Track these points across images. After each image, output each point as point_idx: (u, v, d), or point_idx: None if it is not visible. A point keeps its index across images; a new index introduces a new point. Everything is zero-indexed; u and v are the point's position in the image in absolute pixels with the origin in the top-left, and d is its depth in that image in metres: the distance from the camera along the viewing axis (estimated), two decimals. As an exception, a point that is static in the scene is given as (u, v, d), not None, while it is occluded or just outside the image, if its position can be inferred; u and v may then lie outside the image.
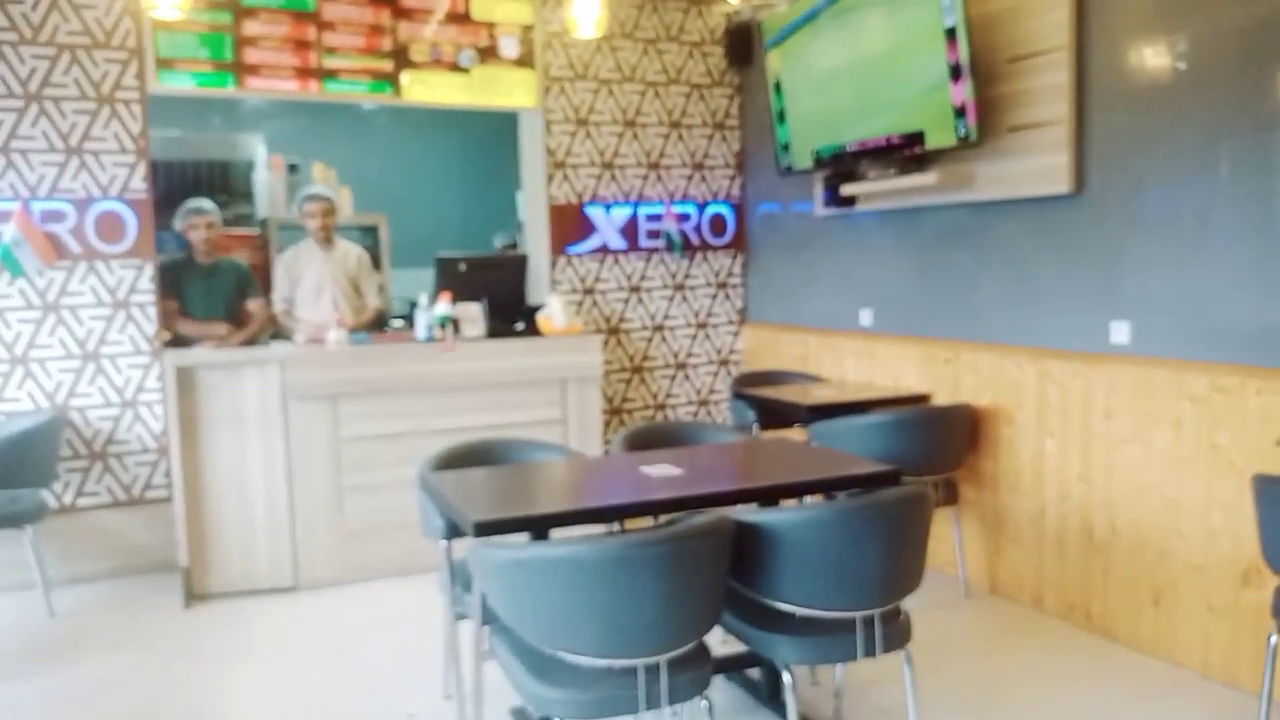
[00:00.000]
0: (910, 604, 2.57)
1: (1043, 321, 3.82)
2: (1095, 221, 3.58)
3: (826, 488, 2.77)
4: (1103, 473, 3.55)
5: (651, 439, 3.39)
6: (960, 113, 3.85)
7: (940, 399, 4.22)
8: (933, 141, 4.02)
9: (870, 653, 2.39)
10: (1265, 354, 3.03)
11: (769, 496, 2.72)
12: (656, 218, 5.54)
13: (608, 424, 5.34)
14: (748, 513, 2.43)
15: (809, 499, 2.87)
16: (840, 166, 4.70)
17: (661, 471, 2.78)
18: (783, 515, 2.41)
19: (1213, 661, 3.20)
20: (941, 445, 3.86)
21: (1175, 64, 3.26)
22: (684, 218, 5.61)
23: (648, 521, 2.76)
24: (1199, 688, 3.15)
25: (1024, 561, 3.90)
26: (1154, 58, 3.33)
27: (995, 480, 4.01)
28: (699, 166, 5.65)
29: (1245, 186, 3.07)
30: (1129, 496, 3.46)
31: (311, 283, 4.81)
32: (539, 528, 2.46)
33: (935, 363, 4.30)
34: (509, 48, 5.10)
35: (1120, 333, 3.51)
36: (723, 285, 5.78)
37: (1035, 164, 3.75)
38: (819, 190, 4.97)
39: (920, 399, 4.25)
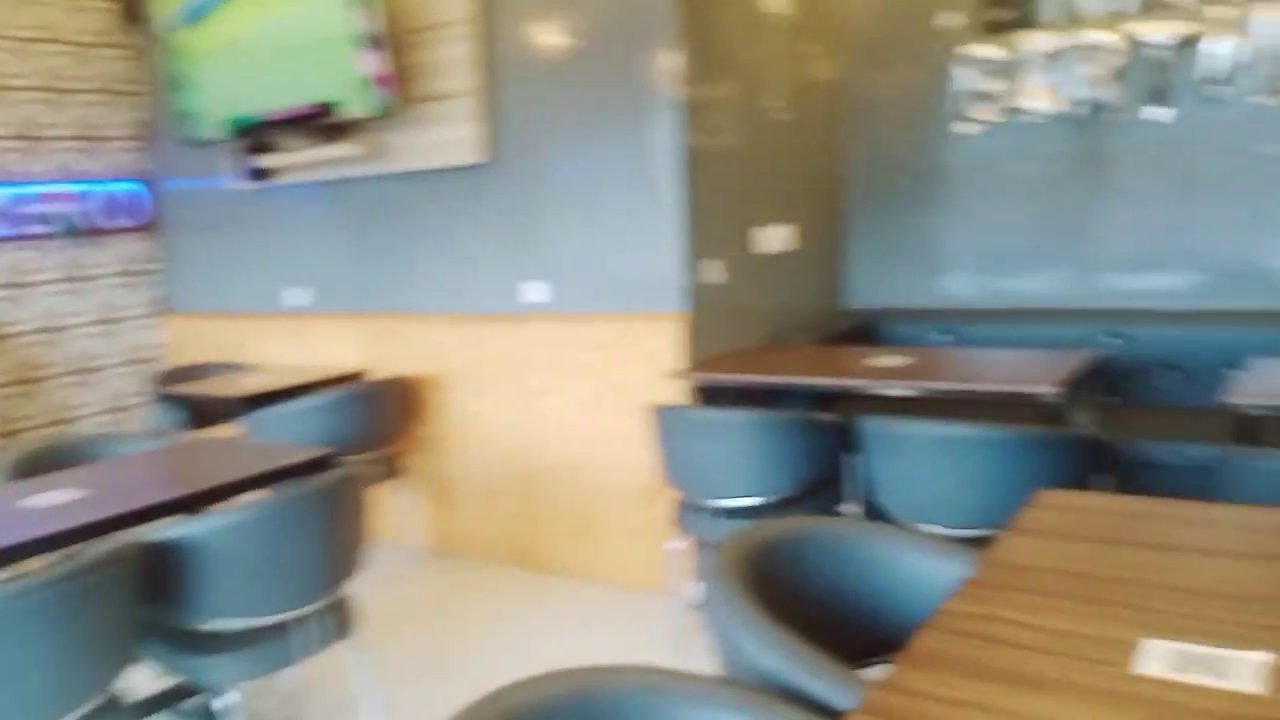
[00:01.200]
0: (366, 583, 2.52)
1: (470, 288, 3.97)
2: (510, 190, 3.79)
3: (254, 485, 2.57)
4: (531, 423, 3.82)
5: (46, 462, 2.88)
6: (374, 82, 3.81)
7: (380, 374, 4.20)
8: (348, 111, 3.94)
9: (313, 650, 2.29)
10: (651, 301, 3.47)
11: (191, 505, 2.44)
12: (40, 199, 4.69)
13: (-1, 449, 4.46)
14: (164, 528, 2.15)
15: (243, 499, 2.65)
16: (258, 138, 4.40)
17: (53, 499, 2.35)
18: (201, 525, 2.18)
19: (631, 574, 3.63)
20: (379, 420, 3.86)
21: (572, 41, 3.54)
22: (78, 198, 4.84)
23: (39, 564, 2.32)
24: (623, 599, 3.55)
25: (474, 518, 4.07)
26: (553, 34, 3.58)
27: (438, 446, 4.11)
28: (94, 139, 4.90)
29: (627, 156, 3.46)
30: (555, 441, 3.76)
31: None
32: None
33: (373, 337, 4.26)
34: None
35: (538, 292, 3.77)
36: (134, 273, 5.12)
37: (451, 134, 3.84)
38: (237, 163, 4.60)
39: (354, 376, 4.18)
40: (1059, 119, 3.90)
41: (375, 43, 3.77)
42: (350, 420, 3.65)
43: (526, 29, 3.66)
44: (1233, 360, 2.94)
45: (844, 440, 2.83)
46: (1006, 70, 3.80)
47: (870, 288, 4.58)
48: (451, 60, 3.81)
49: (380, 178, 4.19)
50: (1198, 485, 2.28)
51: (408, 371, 4.12)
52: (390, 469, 3.95)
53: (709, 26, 3.48)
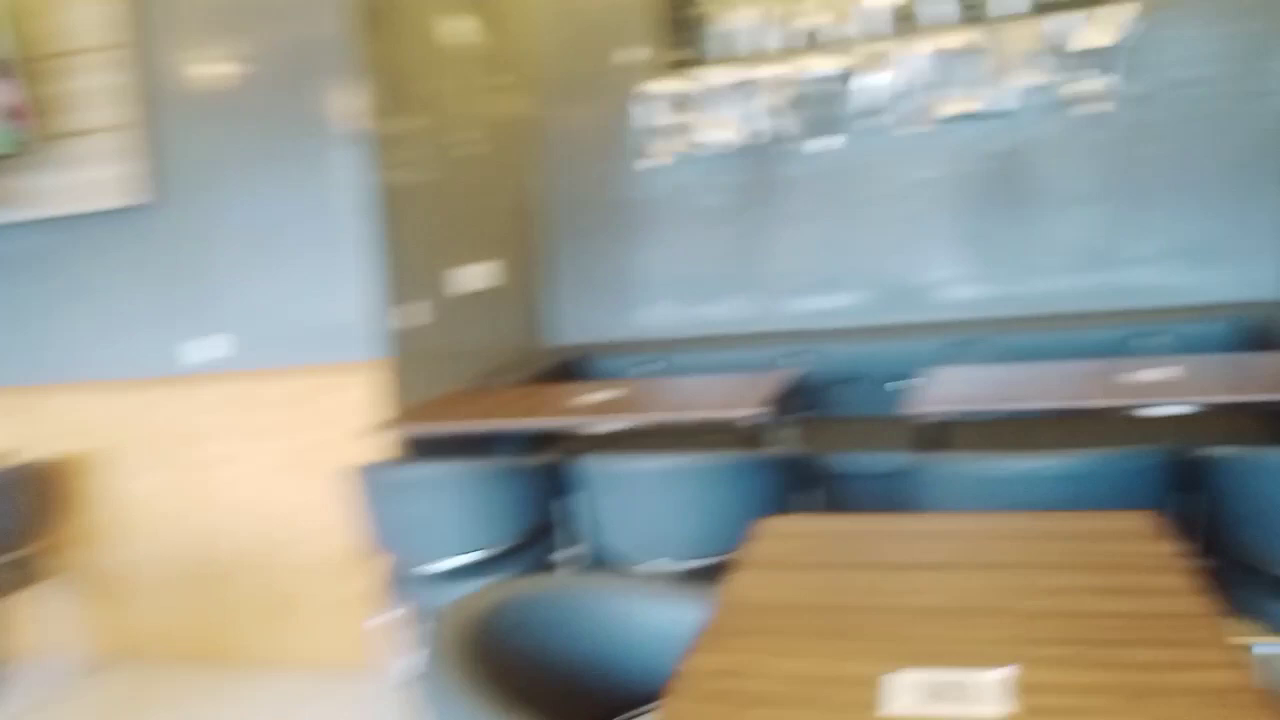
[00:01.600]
0: (9, 713, 2.05)
1: (128, 349, 3.47)
2: (178, 235, 3.36)
3: None
4: (209, 499, 3.40)
5: None
6: (5, 116, 3.24)
7: (15, 459, 3.56)
8: (-35, 150, 3.33)
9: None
10: (344, 351, 3.19)
11: None
12: None
13: None
14: None
15: None
16: None
17: None
18: None
19: (338, 657, 3.31)
20: (13, 515, 3.26)
21: (242, 69, 3.20)
22: None
23: None
24: (329, 685, 3.20)
25: (149, 616, 3.55)
26: (220, 62, 3.23)
27: (96, 537, 3.55)
28: None
29: (312, 194, 3.17)
30: (239, 517, 3.38)
31: None
32: None
33: (7, 416, 3.60)
34: None
35: (212, 349, 3.37)
36: None
37: (102, 173, 3.35)
38: None
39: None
40: (740, 150, 4.07)
41: (2, 70, 3.21)
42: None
43: (187, 55, 3.26)
44: (904, 371, 3.16)
45: (557, 482, 2.71)
46: (689, 104, 3.92)
47: (574, 323, 4.54)
48: (99, 90, 3.33)
49: (14, 227, 3.57)
50: (895, 492, 2.38)
51: (52, 453, 3.52)
52: (31, 572, 3.33)
53: (393, 56, 3.28)
